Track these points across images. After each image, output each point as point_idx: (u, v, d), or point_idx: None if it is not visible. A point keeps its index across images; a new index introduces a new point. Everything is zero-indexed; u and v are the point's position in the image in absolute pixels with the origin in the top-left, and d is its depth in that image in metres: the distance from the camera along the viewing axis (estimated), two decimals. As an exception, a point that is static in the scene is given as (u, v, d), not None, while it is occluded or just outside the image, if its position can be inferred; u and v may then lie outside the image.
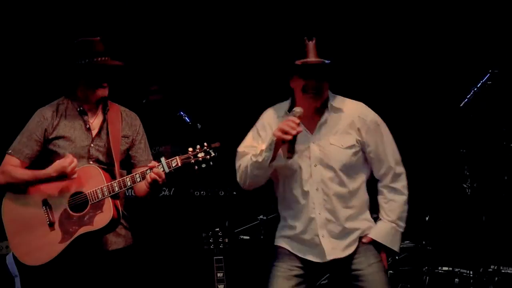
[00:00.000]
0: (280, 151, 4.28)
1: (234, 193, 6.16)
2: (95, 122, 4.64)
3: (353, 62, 6.30)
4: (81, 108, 4.58)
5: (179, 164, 4.43)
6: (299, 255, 4.40)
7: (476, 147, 5.67)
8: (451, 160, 5.84)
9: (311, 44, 4.32)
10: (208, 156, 4.44)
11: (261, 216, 6.21)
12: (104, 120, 4.64)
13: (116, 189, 4.44)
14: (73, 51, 4.55)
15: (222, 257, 4.98)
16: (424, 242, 5.81)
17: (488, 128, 5.86)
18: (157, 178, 4.42)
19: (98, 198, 4.45)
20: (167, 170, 4.44)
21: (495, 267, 5.54)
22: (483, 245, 5.67)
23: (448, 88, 6.43)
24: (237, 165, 4.44)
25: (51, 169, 4.45)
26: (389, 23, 6.79)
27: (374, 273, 4.34)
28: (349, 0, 6.85)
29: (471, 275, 5.58)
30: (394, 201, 4.41)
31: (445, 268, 5.70)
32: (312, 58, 4.31)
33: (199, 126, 6.14)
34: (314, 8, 6.80)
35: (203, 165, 4.44)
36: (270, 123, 4.43)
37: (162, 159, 4.47)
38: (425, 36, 6.75)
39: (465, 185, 5.54)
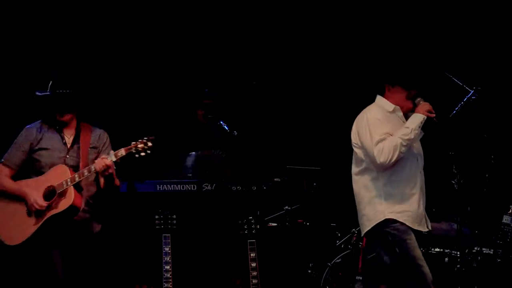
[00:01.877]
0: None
1: (264, 188, 6.35)
2: (70, 138, 5.26)
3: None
4: (58, 127, 5.24)
5: (124, 154, 5.01)
6: (413, 227, 4.94)
7: (463, 150, 5.84)
8: (442, 161, 5.97)
9: None
10: (146, 147, 5.00)
11: (286, 207, 6.64)
12: (76, 136, 5.27)
13: (77, 179, 5.04)
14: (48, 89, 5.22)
15: (254, 240, 5.34)
16: (420, 228, 5.68)
17: (472, 134, 6.23)
18: (107, 165, 4.99)
19: (63, 187, 5.05)
20: (114, 159, 5.01)
21: (478, 249, 5.96)
22: (468, 230, 6.04)
23: (440, 102, 6.00)
24: (379, 148, 4.88)
25: (29, 195, 5.06)
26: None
27: None
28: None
29: (458, 255, 5.93)
30: None
31: (437, 249, 6.08)
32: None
33: (235, 133, 6.52)
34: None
35: (142, 154, 5.00)
36: (383, 117, 5.02)
37: (111, 151, 5.05)
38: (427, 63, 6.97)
39: (453, 181, 5.72)
